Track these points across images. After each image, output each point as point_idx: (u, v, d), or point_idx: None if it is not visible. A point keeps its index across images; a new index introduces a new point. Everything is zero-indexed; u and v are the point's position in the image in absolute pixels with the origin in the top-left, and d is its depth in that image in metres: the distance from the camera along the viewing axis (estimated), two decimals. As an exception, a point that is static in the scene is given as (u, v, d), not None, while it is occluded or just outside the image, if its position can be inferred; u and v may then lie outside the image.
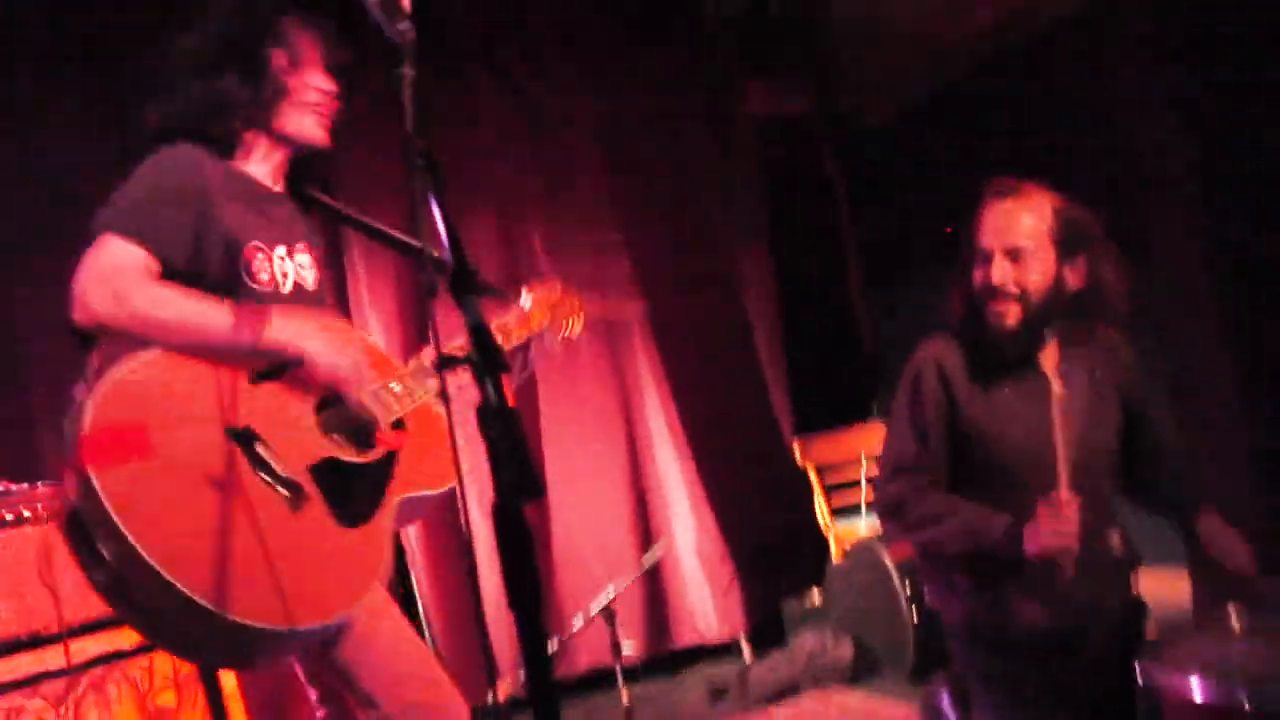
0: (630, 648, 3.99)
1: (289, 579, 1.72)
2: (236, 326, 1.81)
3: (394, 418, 2.00)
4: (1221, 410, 2.85)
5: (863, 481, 4.57)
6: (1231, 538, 2.26)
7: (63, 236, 3.37)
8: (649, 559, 3.98)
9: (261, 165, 2.09)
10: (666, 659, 4.55)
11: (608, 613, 3.75)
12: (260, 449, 1.78)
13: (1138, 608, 2.41)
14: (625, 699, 3.70)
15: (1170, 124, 2.88)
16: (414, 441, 2.02)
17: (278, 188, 2.13)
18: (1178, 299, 2.90)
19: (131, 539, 1.58)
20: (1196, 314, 2.87)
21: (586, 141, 4.64)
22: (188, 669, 2.82)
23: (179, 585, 1.59)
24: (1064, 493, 2.13)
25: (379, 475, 1.94)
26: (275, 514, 1.76)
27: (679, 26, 4.98)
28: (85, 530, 1.63)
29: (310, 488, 1.82)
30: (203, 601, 1.60)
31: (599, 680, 4.17)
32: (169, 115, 2.00)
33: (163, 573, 1.58)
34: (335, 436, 1.92)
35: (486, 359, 1.28)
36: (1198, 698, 1.84)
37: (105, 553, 1.61)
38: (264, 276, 1.99)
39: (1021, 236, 2.26)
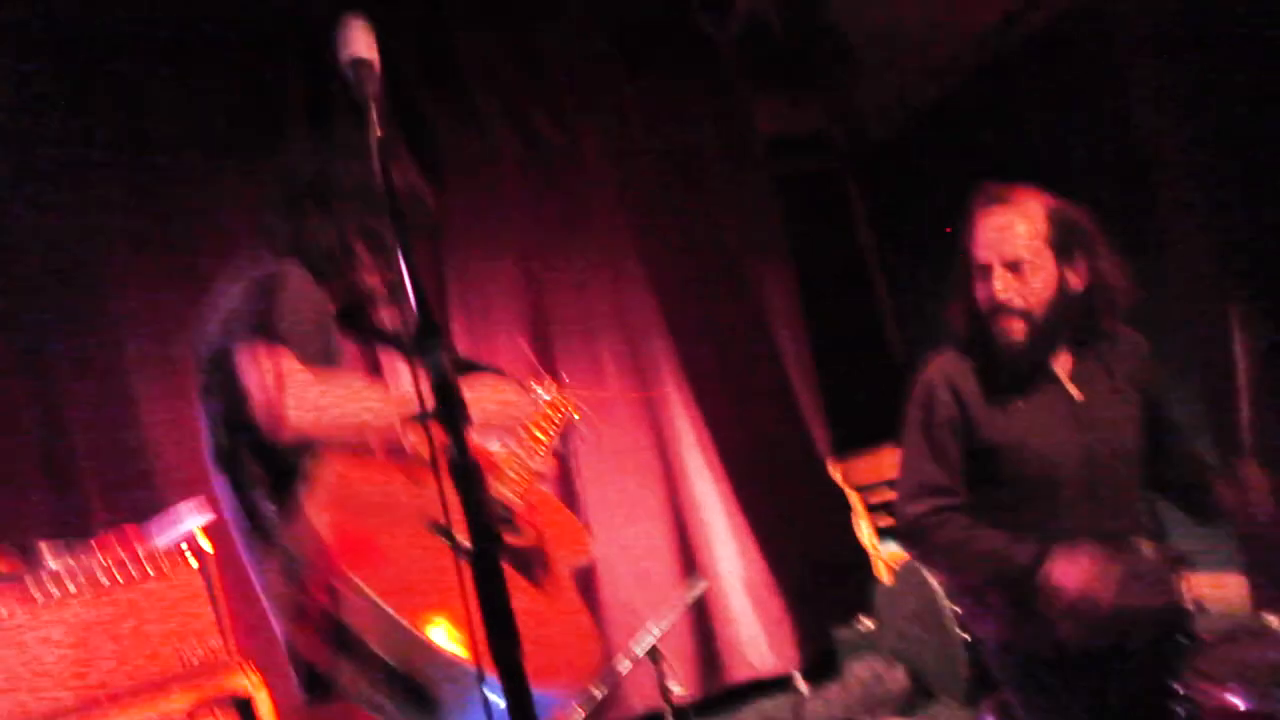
0: (679, 688, 3.91)
1: (549, 650, 1.68)
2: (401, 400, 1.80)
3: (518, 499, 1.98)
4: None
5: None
6: (1249, 487, 2.13)
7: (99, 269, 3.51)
8: (688, 598, 3.91)
9: None
10: (722, 696, 4.46)
11: (654, 654, 3.68)
12: (459, 537, 1.77)
13: (1180, 614, 2.31)
14: (677, 741, 3.63)
15: (1172, 116, 2.79)
16: (542, 518, 2.02)
17: None
18: (1192, 291, 2.80)
19: (408, 626, 1.52)
20: (1209, 306, 2.77)
21: (603, 184, 4.64)
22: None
23: (461, 662, 1.52)
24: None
25: (541, 557, 1.90)
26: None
27: (687, 56, 4.97)
28: (348, 634, 1.55)
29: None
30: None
31: (655, 722, 4.10)
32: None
33: (445, 653, 1.53)
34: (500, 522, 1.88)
35: (451, 412, 1.31)
36: (1240, 705, 1.76)
37: (380, 650, 1.54)
38: None
39: (1018, 246, 2.19)
